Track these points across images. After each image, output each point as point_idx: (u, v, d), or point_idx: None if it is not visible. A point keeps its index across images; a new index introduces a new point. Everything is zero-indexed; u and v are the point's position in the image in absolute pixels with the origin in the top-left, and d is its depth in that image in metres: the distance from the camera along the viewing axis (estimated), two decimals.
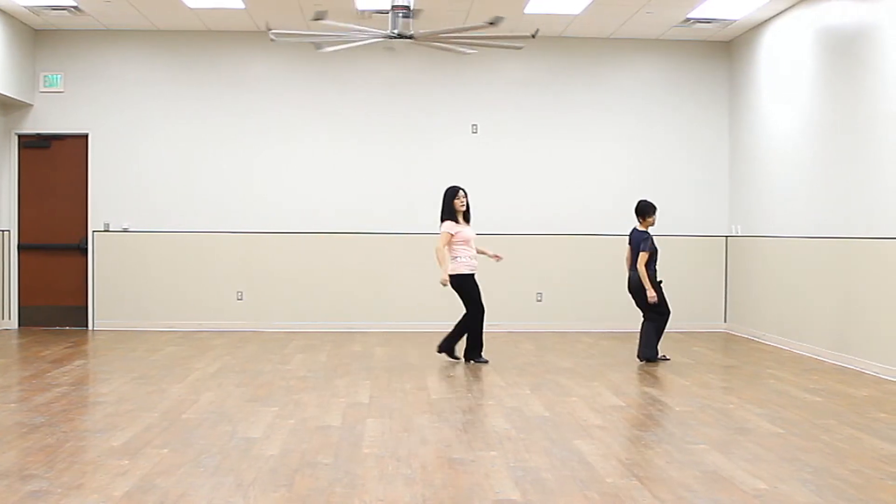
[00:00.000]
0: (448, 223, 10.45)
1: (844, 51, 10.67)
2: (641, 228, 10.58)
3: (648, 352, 10.54)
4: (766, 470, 5.98)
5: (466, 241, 10.45)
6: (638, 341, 10.72)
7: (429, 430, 7.10)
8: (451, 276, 10.36)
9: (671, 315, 10.68)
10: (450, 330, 10.68)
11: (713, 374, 10.07)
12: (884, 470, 6.01)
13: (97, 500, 5.23)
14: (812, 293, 11.32)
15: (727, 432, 7.12)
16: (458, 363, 10.51)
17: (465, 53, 10.42)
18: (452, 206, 10.52)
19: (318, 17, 9.32)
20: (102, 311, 13.53)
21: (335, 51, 10.62)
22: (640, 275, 10.39)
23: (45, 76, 13.45)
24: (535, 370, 10.07)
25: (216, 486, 5.54)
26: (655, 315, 10.53)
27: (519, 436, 6.95)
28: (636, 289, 10.52)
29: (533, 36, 9.89)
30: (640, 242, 10.45)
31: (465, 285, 10.41)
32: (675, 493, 5.46)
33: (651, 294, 10.33)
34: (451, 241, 10.40)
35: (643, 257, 10.38)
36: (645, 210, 10.60)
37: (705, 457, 6.31)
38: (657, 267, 10.56)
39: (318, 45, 10.32)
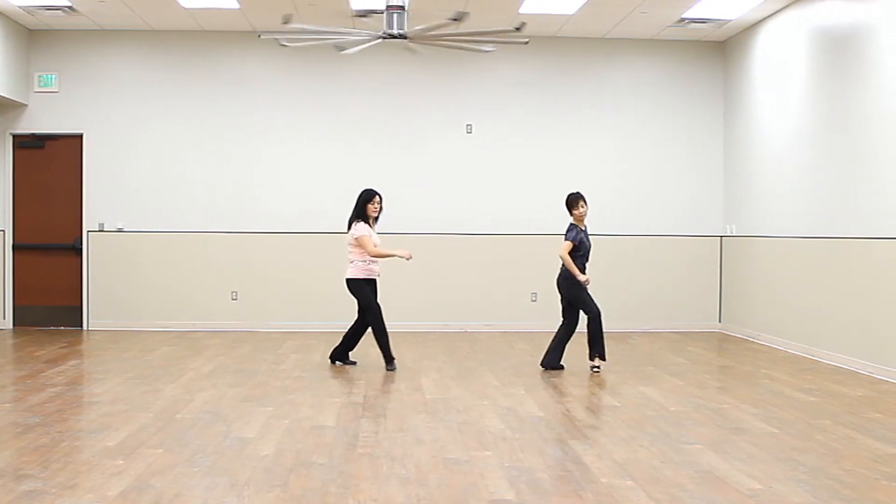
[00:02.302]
0: (363, 225, 10.22)
1: (839, 51, 10.69)
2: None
3: (553, 358, 10.13)
4: (760, 470, 5.99)
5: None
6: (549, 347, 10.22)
7: (423, 430, 7.10)
8: (351, 279, 10.23)
9: (576, 325, 10.16)
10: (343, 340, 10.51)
11: (708, 374, 10.08)
12: (878, 470, 6.02)
13: (92, 500, 5.23)
14: (807, 293, 11.33)
15: (722, 432, 7.12)
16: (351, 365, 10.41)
17: (484, 52, 10.36)
18: (365, 210, 10.29)
19: (286, 20, 9.32)
20: (97, 311, 13.51)
21: (299, 47, 10.59)
22: (566, 262, 9.97)
23: (39, 76, 13.43)
24: (530, 370, 10.07)
25: (210, 486, 5.54)
26: (571, 318, 10.13)
27: (514, 436, 6.96)
28: (560, 284, 10.15)
29: (518, 29, 9.80)
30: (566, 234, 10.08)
31: (362, 290, 10.22)
32: (669, 494, 5.46)
33: (582, 277, 9.91)
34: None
35: (566, 246, 9.97)
36: (567, 203, 10.25)
37: (700, 457, 6.32)
38: (586, 265, 10.11)
39: (340, 48, 10.26)
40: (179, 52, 13.61)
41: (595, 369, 9.97)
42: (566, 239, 10.02)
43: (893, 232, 9.52)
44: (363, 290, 10.21)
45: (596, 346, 9.97)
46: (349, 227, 10.28)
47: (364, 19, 9.30)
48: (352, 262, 10.22)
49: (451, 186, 13.76)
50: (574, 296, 10.08)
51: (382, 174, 13.69)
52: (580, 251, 10.07)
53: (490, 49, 10.42)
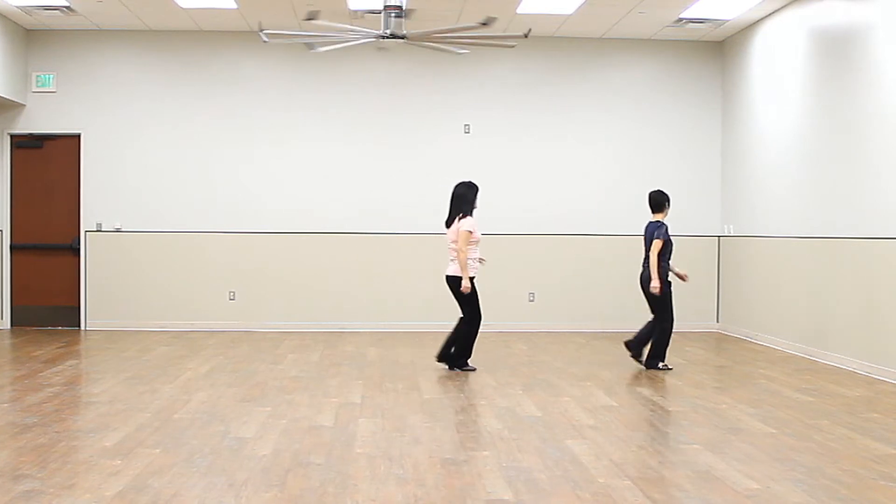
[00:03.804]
0: (471, 220, 9.78)
1: (836, 51, 10.69)
2: (654, 220, 10.14)
3: (635, 348, 10.14)
4: (758, 470, 5.99)
5: (478, 242, 9.86)
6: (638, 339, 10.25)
7: (421, 430, 7.10)
8: (459, 277, 9.72)
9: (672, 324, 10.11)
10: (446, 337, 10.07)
11: (705, 374, 10.08)
12: (876, 470, 6.03)
13: (89, 500, 5.23)
14: (805, 293, 11.33)
15: (719, 432, 7.12)
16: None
17: (458, 53, 10.34)
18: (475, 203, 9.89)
19: (311, 17, 9.30)
20: (95, 311, 13.51)
21: (328, 51, 10.58)
22: (651, 264, 9.95)
23: (37, 76, 13.42)
24: (528, 370, 10.07)
25: (208, 486, 5.54)
26: (660, 316, 10.04)
27: (511, 436, 6.96)
28: (644, 283, 10.08)
29: (525, 35, 9.85)
30: (654, 231, 10.01)
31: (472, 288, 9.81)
32: (667, 494, 5.47)
33: (655, 284, 9.84)
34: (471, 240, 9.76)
35: (656, 245, 9.92)
36: (654, 202, 10.19)
37: (698, 457, 6.32)
38: (670, 264, 10.08)
39: (311, 46, 10.28)
40: (177, 52, 13.61)
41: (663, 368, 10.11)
42: (656, 237, 10.01)
43: (892, 232, 9.53)
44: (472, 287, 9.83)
45: (640, 345, 10.16)
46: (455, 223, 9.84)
47: (313, 21, 9.27)
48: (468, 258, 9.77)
49: (448, 186, 13.68)
50: (656, 298, 10.07)
51: (380, 174, 13.70)
52: (669, 253, 10.11)
53: (464, 52, 10.36)
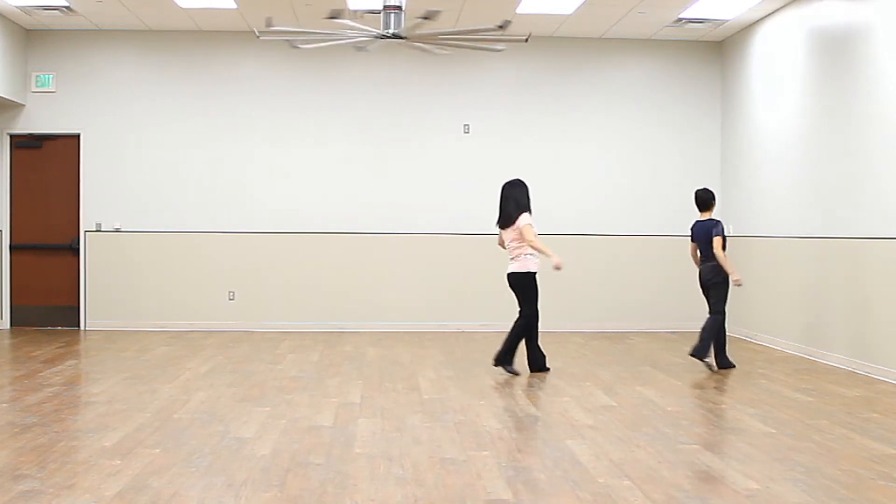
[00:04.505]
0: (527, 216, 9.80)
1: (836, 51, 10.69)
2: (703, 218, 10.27)
3: (702, 350, 10.08)
4: (757, 470, 5.99)
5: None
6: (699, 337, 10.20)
7: (420, 430, 7.10)
8: (522, 273, 9.82)
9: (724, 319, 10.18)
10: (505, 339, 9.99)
11: (705, 374, 10.07)
12: (875, 470, 6.03)
13: (89, 500, 5.23)
14: (804, 293, 11.33)
15: (719, 432, 7.13)
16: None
17: (496, 50, 10.27)
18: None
19: (334, 15, 9.24)
20: (94, 311, 13.51)
21: (312, 48, 10.52)
22: (720, 259, 10.03)
23: (37, 76, 13.42)
24: (527, 370, 10.06)
25: (208, 486, 5.54)
26: (718, 308, 10.12)
27: (511, 436, 6.96)
28: (706, 281, 10.23)
29: (501, 27, 9.74)
30: (711, 230, 10.09)
31: (533, 283, 9.87)
32: (666, 494, 5.46)
33: (735, 277, 10.07)
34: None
35: (718, 242, 10.02)
36: (701, 200, 10.32)
37: (697, 457, 6.32)
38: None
39: (362, 47, 10.19)
40: (177, 52, 13.61)
41: (709, 366, 10.15)
42: (716, 234, 10.10)
43: (891, 232, 9.53)
44: (535, 283, 9.90)
45: (704, 344, 10.10)
46: (514, 221, 9.81)
47: (337, 20, 9.18)
48: (529, 253, 9.78)
49: (448, 186, 13.75)
50: (718, 292, 10.19)
51: (379, 174, 13.70)
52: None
53: (501, 48, 10.33)
